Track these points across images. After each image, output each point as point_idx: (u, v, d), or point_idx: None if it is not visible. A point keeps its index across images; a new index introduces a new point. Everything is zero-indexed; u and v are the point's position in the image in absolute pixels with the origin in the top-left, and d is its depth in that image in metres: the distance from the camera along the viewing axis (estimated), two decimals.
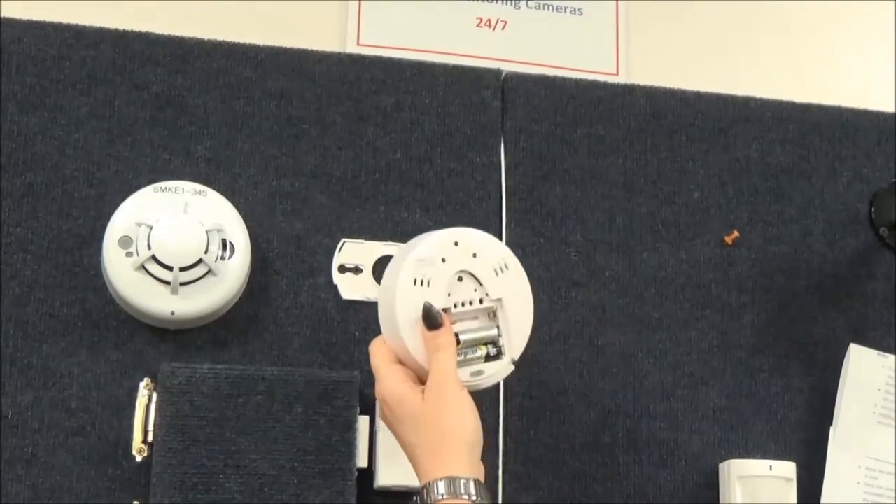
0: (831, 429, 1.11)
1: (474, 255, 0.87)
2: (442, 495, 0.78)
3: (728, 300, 1.14)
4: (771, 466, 1.07)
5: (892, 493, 1.11)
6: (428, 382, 0.83)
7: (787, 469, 1.07)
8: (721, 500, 1.08)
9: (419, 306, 0.84)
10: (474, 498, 0.79)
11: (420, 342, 0.84)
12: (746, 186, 1.18)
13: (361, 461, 1.00)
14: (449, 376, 0.82)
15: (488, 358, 0.87)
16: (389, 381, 0.84)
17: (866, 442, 1.12)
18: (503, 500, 1.05)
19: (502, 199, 1.13)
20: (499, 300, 0.87)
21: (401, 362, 0.85)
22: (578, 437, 1.08)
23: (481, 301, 0.87)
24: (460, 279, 0.86)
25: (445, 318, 0.84)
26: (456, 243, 0.86)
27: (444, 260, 0.85)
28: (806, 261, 1.17)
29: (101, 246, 1.01)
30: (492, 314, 0.88)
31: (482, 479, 0.82)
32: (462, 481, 0.79)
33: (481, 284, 0.87)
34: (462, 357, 0.86)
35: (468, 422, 0.82)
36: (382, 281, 0.87)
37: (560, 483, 1.07)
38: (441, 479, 0.79)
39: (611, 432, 1.09)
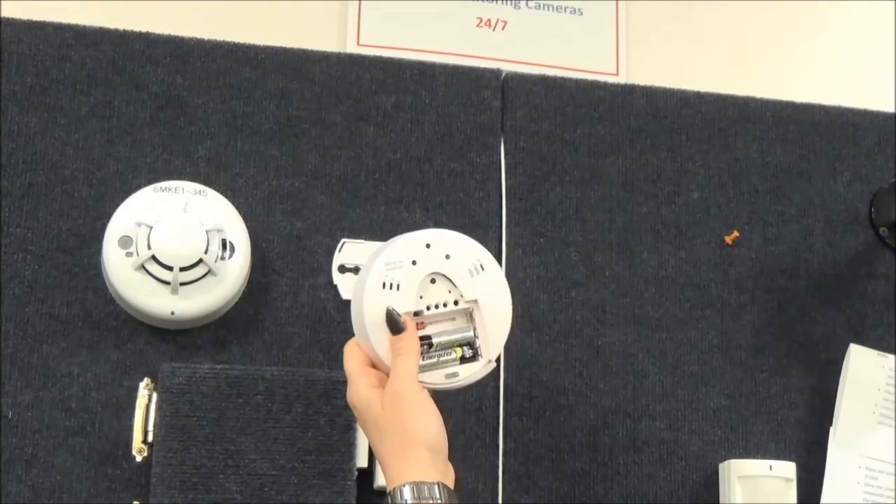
0: (831, 429, 1.11)
1: (447, 257, 0.86)
2: (406, 501, 0.78)
3: (728, 300, 1.14)
4: (771, 466, 1.07)
5: (892, 494, 1.11)
6: (386, 387, 0.82)
7: (787, 469, 1.07)
8: (721, 500, 1.08)
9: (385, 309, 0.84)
10: (439, 501, 0.78)
11: (388, 346, 0.84)
12: (746, 186, 1.18)
13: (361, 461, 1.00)
14: (407, 381, 0.82)
15: (464, 360, 0.86)
16: (358, 384, 0.84)
17: (866, 442, 1.11)
18: (503, 500, 1.05)
19: (502, 199, 1.13)
20: (474, 301, 0.87)
21: (374, 365, 0.85)
22: (578, 437, 1.08)
23: (456, 303, 0.87)
24: (433, 281, 0.86)
25: (409, 322, 0.84)
26: (428, 245, 0.86)
27: (414, 262, 0.85)
28: (806, 261, 1.17)
29: (101, 246, 1.01)
30: (469, 316, 0.87)
31: (450, 483, 0.81)
32: (427, 486, 0.78)
33: (455, 286, 0.87)
34: (435, 359, 0.85)
35: (428, 426, 0.81)
36: (355, 284, 0.87)
37: (560, 483, 1.07)
38: (406, 485, 0.78)
39: (611, 432, 1.09)
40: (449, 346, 0.86)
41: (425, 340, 0.86)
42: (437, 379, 0.85)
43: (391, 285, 0.84)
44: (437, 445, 0.81)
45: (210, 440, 0.98)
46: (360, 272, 0.87)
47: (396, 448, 0.80)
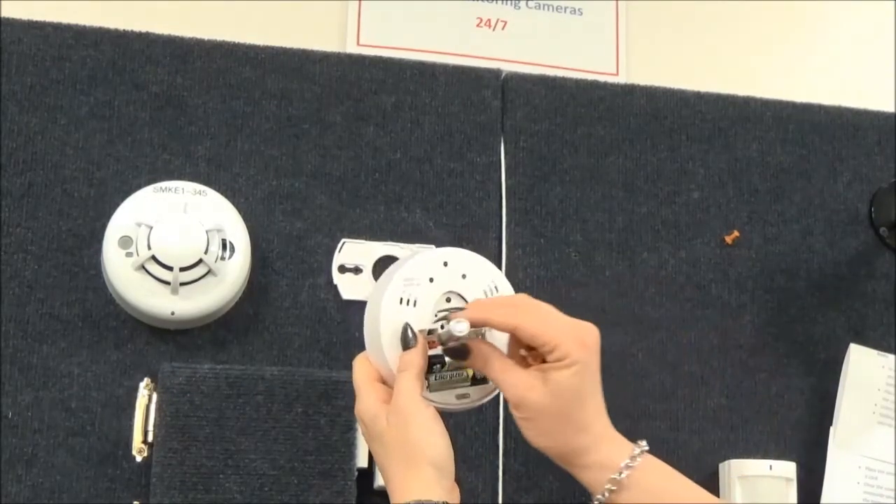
0: (831, 429, 1.11)
1: (463, 276, 0.85)
2: None
3: (728, 300, 1.14)
4: (771, 466, 1.07)
5: (892, 494, 1.11)
6: (391, 403, 0.81)
7: (788, 469, 1.07)
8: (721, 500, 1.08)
9: (402, 326, 0.83)
10: None
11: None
12: (746, 186, 1.18)
13: (361, 461, 1.00)
14: (409, 397, 0.80)
15: (474, 381, 0.85)
16: (365, 398, 0.82)
17: (866, 442, 1.11)
18: (503, 500, 1.05)
19: (502, 199, 1.13)
20: None
21: (383, 381, 0.84)
22: None
23: None
24: (448, 300, 0.85)
25: (420, 339, 0.82)
26: (445, 263, 0.85)
27: (431, 280, 0.84)
28: (806, 261, 1.17)
29: (101, 246, 1.01)
30: (482, 336, 0.86)
31: (455, 503, 0.80)
32: None
33: None
34: (447, 379, 0.85)
35: (434, 443, 0.79)
36: (369, 298, 0.86)
37: (560, 483, 1.06)
38: (410, 503, 0.77)
39: None
40: (460, 366, 0.86)
41: (437, 359, 0.85)
42: (448, 399, 0.85)
43: (408, 301, 0.83)
44: (442, 463, 0.79)
45: (210, 440, 0.97)
46: (375, 288, 0.86)
47: (401, 465, 0.79)
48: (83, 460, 0.99)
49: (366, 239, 1.09)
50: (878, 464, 1.11)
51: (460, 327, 0.80)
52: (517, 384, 0.81)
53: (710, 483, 1.08)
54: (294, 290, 1.06)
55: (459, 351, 0.83)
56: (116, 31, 1.10)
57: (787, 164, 1.20)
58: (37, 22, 1.08)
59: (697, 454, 1.09)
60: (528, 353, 0.84)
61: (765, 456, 1.10)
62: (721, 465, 1.09)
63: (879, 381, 1.13)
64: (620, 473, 0.82)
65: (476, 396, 0.85)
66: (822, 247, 1.18)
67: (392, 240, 1.09)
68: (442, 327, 0.84)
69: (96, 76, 1.08)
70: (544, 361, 0.82)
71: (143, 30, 1.10)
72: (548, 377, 0.81)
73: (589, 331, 0.83)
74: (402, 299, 0.83)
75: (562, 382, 0.81)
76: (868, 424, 1.12)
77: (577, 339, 0.81)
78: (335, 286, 1.07)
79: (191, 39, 1.11)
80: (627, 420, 1.08)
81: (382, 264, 1.07)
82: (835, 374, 1.13)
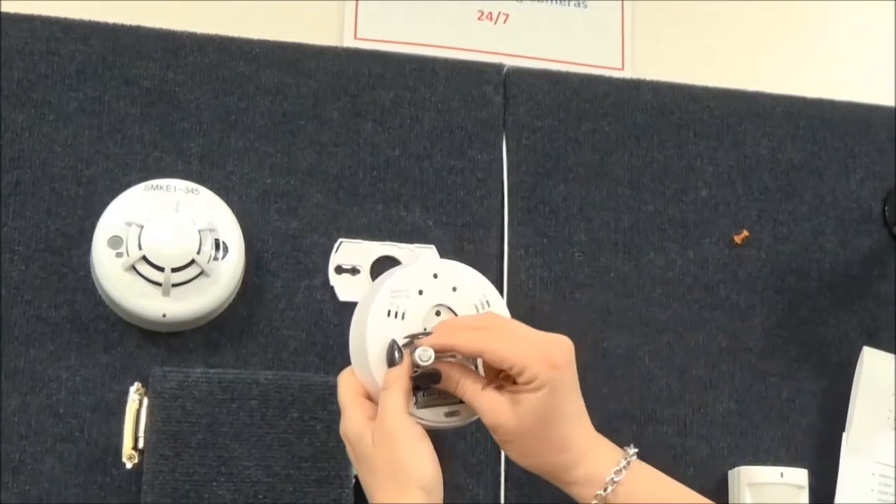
0: (844, 434, 1.10)
1: (454, 289, 0.83)
2: None
3: (737, 301, 1.13)
4: (782, 473, 1.06)
5: None
6: (375, 422, 0.79)
7: (799, 476, 1.07)
8: None
9: (389, 339, 0.81)
10: None
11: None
12: (756, 184, 1.17)
13: None
14: (395, 416, 0.78)
15: None
16: (351, 416, 0.80)
17: (879, 447, 1.10)
18: None
19: (504, 198, 1.12)
20: None
21: (370, 397, 0.82)
22: None
23: None
24: (438, 313, 0.83)
25: (406, 356, 0.80)
26: (435, 275, 0.83)
27: (421, 292, 0.82)
28: (817, 261, 1.16)
29: (91, 246, 1.00)
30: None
31: None
32: None
33: None
34: (436, 395, 0.82)
35: (422, 464, 0.77)
36: (356, 310, 0.84)
37: (562, 490, 1.05)
38: None
39: (617, 437, 1.06)
40: None
41: None
42: (437, 417, 0.83)
43: (396, 314, 0.81)
44: (430, 485, 0.77)
45: (203, 446, 0.96)
46: (363, 299, 0.84)
47: (388, 486, 0.77)
48: (72, 467, 0.98)
49: (363, 238, 1.08)
50: (892, 470, 1.10)
51: (425, 356, 0.79)
52: (490, 408, 0.80)
53: (719, 490, 1.08)
54: (289, 292, 1.05)
55: (429, 376, 0.80)
56: (106, 24, 1.08)
57: (797, 160, 1.19)
58: (24, 15, 1.07)
59: (706, 460, 1.09)
60: (500, 373, 0.82)
61: (775, 462, 1.09)
62: (730, 472, 1.08)
63: (893, 385, 1.12)
64: (606, 489, 0.80)
65: (466, 413, 0.83)
66: (834, 246, 1.17)
67: (390, 239, 1.08)
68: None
69: (85, 71, 1.07)
70: (516, 382, 0.80)
71: (134, 23, 1.09)
72: (519, 399, 0.79)
73: (559, 347, 0.80)
74: (389, 312, 0.81)
75: (533, 405, 0.78)
76: (882, 429, 1.11)
77: (545, 360, 0.79)
78: (332, 287, 1.06)
79: (183, 33, 1.10)
80: (634, 425, 1.09)
81: (380, 265, 1.07)
82: (847, 377, 1.12)
